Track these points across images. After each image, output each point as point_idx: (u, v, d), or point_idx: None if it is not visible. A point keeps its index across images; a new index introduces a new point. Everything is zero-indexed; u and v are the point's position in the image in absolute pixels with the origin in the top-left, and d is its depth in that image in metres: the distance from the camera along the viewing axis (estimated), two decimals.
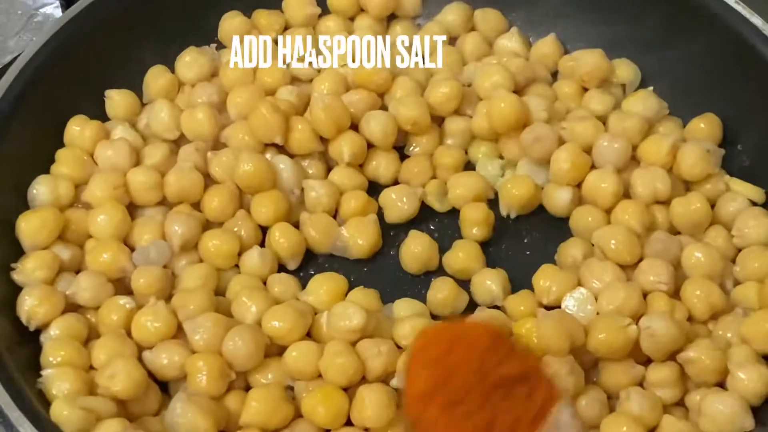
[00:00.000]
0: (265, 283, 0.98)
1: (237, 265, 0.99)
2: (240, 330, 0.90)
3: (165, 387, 0.92)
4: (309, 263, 1.02)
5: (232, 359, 0.89)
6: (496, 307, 0.98)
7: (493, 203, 1.05)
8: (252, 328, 0.91)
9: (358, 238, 1.01)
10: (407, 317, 0.94)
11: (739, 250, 0.99)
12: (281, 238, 1.00)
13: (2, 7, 1.22)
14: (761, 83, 1.03)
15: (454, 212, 1.05)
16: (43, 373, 0.87)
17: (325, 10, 1.17)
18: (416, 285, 1.01)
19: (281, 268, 1.01)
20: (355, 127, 1.06)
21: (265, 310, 0.92)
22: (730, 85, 1.07)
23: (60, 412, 0.83)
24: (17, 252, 0.96)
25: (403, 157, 1.09)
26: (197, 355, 0.89)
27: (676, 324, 0.89)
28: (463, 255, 1.00)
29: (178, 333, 0.92)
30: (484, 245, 1.03)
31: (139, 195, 1.01)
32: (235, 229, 1.00)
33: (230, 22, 1.15)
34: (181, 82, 1.12)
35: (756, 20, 1.04)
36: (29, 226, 0.96)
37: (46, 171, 1.02)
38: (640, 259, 0.97)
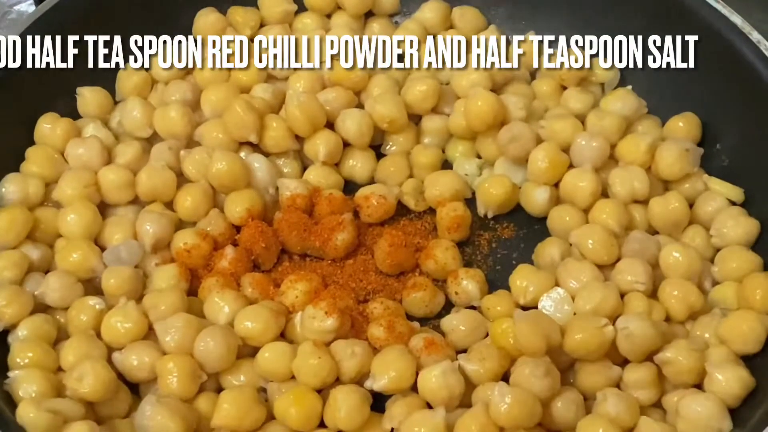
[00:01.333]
0: (238, 283, 0.97)
1: (209, 265, 0.98)
2: (212, 331, 0.88)
3: (135, 389, 0.90)
4: (283, 263, 1.01)
5: (203, 360, 0.88)
6: (473, 307, 0.97)
7: (470, 202, 1.05)
8: (224, 328, 0.89)
9: (334, 238, 0.99)
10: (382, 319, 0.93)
11: (718, 250, 0.98)
12: (255, 237, 0.98)
13: None
14: (741, 82, 1.02)
15: (430, 211, 1.04)
16: (10, 374, 0.85)
17: (301, 7, 1.16)
18: (392, 285, 0.99)
19: (255, 267, 1.00)
20: (331, 125, 1.05)
21: (237, 311, 0.91)
22: (709, 84, 1.06)
23: (26, 414, 0.81)
24: None
25: (379, 155, 1.08)
26: (168, 357, 0.87)
27: (654, 324, 0.88)
28: (439, 254, 0.99)
29: (149, 334, 0.90)
30: (461, 245, 1.02)
31: (110, 194, 1.00)
32: (209, 229, 0.99)
33: (205, 18, 1.13)
34: (154, 80, 1.10)
35: (736, 19, 1.03)
36: None
37: (16, 169, 1.00)
38: (618, 259, 0.97)
